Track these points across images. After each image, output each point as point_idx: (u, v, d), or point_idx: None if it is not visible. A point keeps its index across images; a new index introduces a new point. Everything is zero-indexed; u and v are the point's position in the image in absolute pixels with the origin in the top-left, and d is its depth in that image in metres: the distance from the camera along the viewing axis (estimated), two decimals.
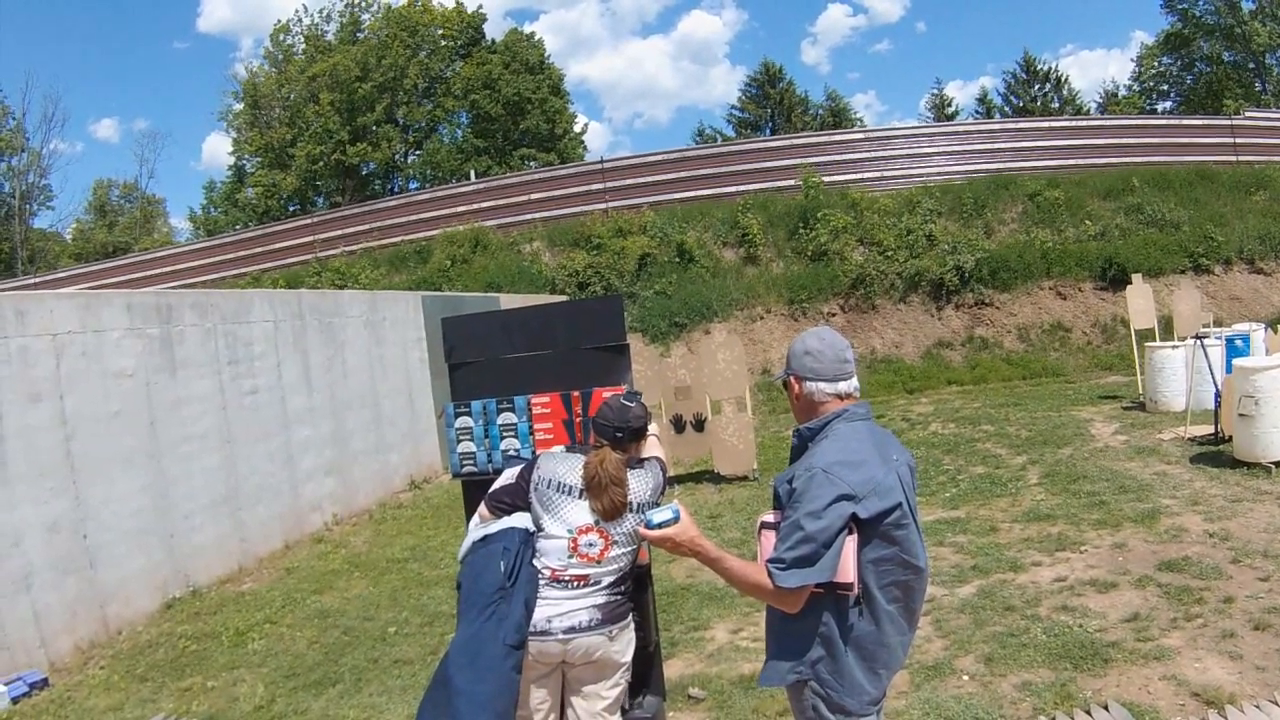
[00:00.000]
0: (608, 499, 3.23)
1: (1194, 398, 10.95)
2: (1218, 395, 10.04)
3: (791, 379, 2.76)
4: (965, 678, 5.05)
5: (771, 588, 2.47)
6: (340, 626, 7.07)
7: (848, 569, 2.46)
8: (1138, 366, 13.46)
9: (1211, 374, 10.56)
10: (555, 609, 3.23)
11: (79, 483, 7.21)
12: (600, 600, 3.27)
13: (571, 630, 3.21)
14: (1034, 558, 6.96)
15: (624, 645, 3.36)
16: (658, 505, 3.17)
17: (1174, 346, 12.31)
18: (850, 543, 2.47)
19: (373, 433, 11.85)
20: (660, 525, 2.66)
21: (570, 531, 3.27)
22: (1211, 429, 10.17)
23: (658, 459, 3.50)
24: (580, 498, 3.29)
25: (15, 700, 6.08)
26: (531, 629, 3.20)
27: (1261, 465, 8.60)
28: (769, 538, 2.57)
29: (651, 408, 10.82)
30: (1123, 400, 13.64)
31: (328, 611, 7.48)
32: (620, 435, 3.37)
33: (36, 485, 6.83)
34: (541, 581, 3.27)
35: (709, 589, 6.95)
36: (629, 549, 3.32)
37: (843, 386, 2.72)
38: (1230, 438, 9.30)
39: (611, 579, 3.30)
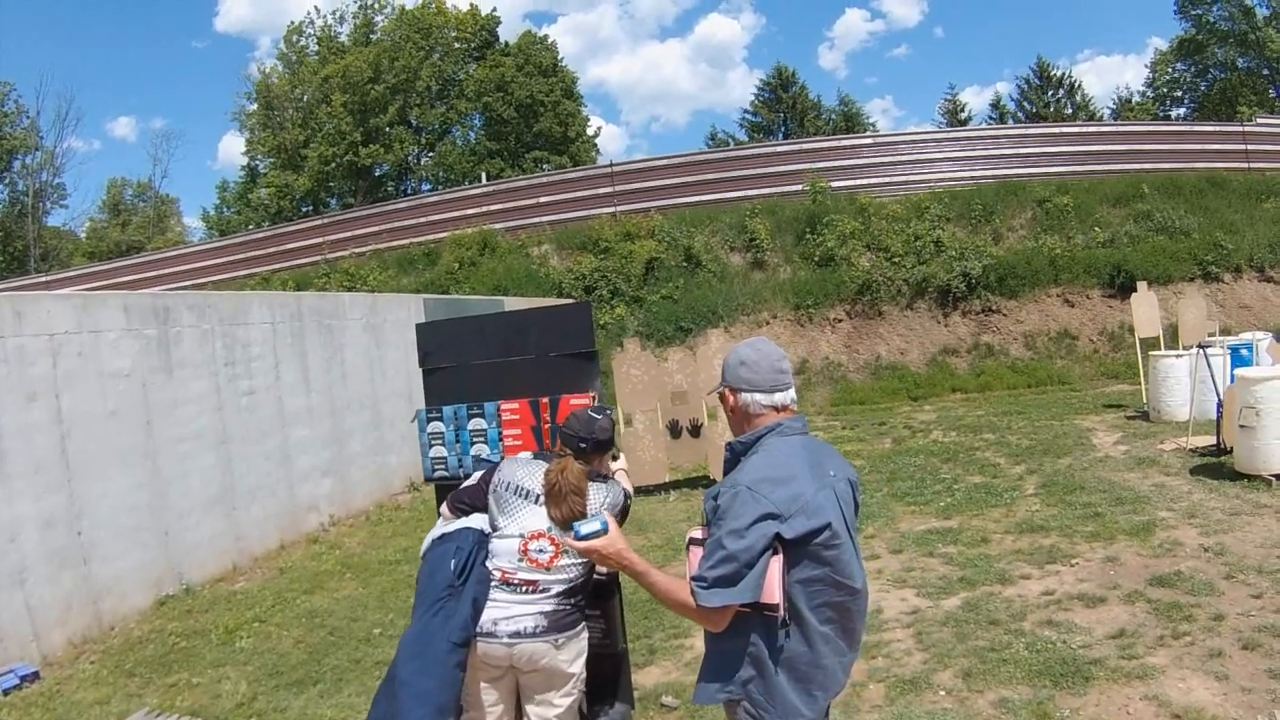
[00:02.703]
0: (566, 507, 3.26)
1: (1197, 408, 10.86)
2: (1220, 405, 9.96)
3: (726, 391, 2.70)
4: (942, 693, 5.00)
5: (695, 606, 2.44)
6: (327, 627, 7.09)
7: (773, 590, 2.41)
8: (1142, 375, 13.37)
9: (1214, 383, 10.48)
10: (503, 612, 3.26)
11: (74, 480, 7.26)
12: (548, 608, 3.28)
13: (517, 635, 3.23)
14: (1023, 570, 6.89)
15: (572, 656, 3.36)
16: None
17: (1178, 355, 12.22)
18: (775, 563, 2.42)
19: (372, 434, 11.87)
20: (588, 536, 2.64)
21: (522, 535, 3.31)
22: (1213, 440, 10.09)
23: (620, 485, 3.53)
24: (537, 503, 3.34)
25: (6, 692, 6.15)
26: (479, 630, 3.23)
27: (1262, 478, 8.51)
28: (696, 554, 2.52)
29: (648, 412, 10.89)
30: (1126, 409, 13.56)
31: (316, 612, 7.50)
32: (584, 446, 3.40)
33: (32, 482, 6.88)
34: (492, 583, 3.31)
35: None
36: (580, 561, 3.32)
37: (779, 398, 2.66)
38: (1231, 449, 9.22)
39: (562, 588, 3.32)
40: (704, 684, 2.59)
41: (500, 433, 3.93)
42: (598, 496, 3.36)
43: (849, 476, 2.67)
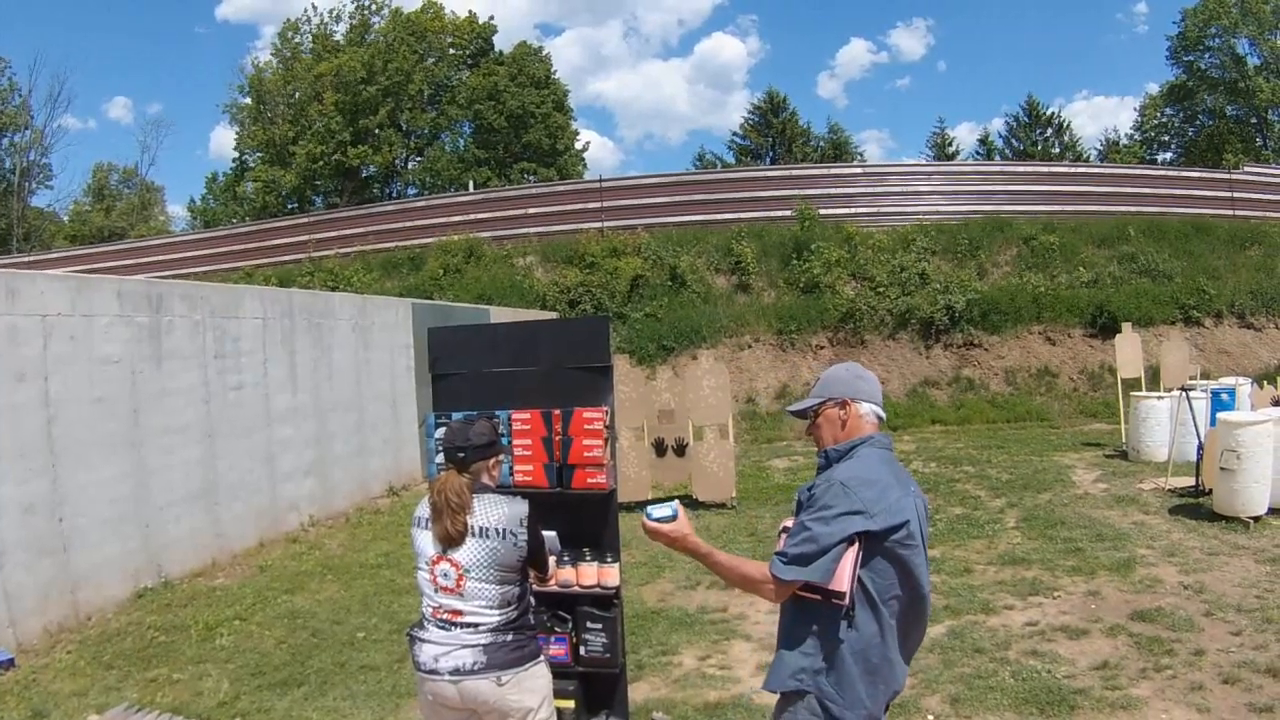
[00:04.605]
0: (445, 523, 3.17)
1: (1177, 449, 11.00)
2: (1200, 448, 10.08)
3: (847, 400, 2.95)
4: (931, 717, 5.04)
5: (757, 576, 2.73)
6: (309, 628, 7.04)
7: (843, 579, 2.65)
8: (1122, 415, 13.51)
9: (1195, 426, 10.61)
10: (440, 648, 3.16)
11: (58, 465, 7.20)
12: (485, 641, 3.15)
13: (457, 672, 3.13)
14: (1006, 601, 6.96)
15: (523, 694, 3.20)
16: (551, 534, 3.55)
17: (1159, 397, 12.38)
18: (850, 554, 2.66)
19: (355, 436, 11.82)
20: (659, 520, 2.83)
21: (426, 564, 3.23)
22: (1192, 481, 10.21)
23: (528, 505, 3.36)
24: (428, 528, 3.25)
25: None
26: (422, 668, 3.18)
27: (1240, 519, 8.64)
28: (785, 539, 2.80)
29: (634, 429, 10.90)
30: (1105, 448, 13.71)
31: (298, 612, 7.45)
32: (463, 455, 3.27)
33: (16, 464, 6.83)
34: (426, 621, 3.24)
35: (679, 614, 6.95)
36: (492, 582, 3.19)
37: (881, 413, 2.98)
38: (1210, 490, 9.34)
39: (496, 619, 3.19)
40: (783, 653, 2.81)
41: (510, 442, 3.90)
42: (489, 508, 3.23)
43: (924, 501, 2.92)
